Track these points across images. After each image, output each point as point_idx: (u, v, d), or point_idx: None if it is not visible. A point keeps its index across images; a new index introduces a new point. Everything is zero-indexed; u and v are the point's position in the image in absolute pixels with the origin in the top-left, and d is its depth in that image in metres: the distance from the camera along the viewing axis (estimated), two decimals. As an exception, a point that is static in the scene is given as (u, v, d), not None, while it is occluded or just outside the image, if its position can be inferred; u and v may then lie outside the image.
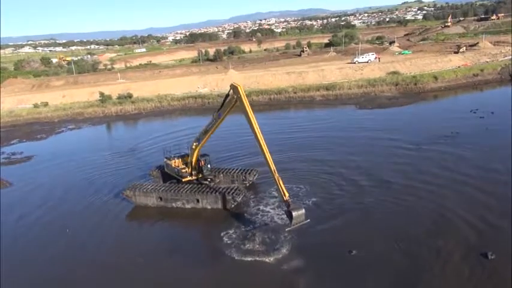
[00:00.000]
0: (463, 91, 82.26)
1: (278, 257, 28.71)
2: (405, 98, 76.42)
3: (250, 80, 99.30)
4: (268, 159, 31.36)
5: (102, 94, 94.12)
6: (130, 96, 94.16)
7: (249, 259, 28.82)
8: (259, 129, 31.74)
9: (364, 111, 70.59)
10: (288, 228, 30.18)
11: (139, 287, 27.54)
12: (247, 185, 41.88)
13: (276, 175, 30.82)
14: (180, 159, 42.91)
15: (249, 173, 42.68)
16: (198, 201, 38.57)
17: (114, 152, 60.95)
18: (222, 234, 32.64)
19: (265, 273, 27.45)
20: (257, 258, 28.74)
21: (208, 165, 42.18)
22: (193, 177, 41.49)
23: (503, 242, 28.00)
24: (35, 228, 37.40)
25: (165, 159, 43.39)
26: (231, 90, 34.23)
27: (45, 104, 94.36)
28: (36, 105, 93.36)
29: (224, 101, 36.25)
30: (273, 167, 31.10)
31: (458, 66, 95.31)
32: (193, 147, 40.67)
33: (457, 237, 29.17)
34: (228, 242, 31.46)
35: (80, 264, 30.54)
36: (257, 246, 30.22)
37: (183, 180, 40.91)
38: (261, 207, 36.82)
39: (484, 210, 32.49)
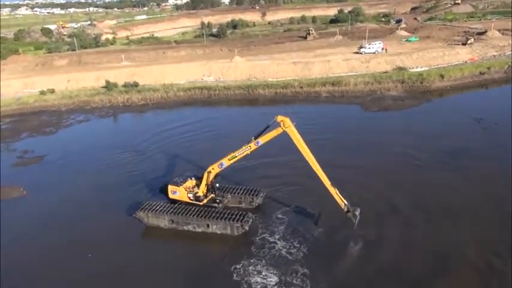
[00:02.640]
0: (469, 90, 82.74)
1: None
2: (411, 99, 76.93)
3: (255, 69, 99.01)
4: (324, 180, 37.66)
5: (108, 82, 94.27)
6: (136, 85, 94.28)
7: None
8: (311, 154, 37.55)
9: (369, 114, 71.48)
10: (355, 225, 37.71)
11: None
12: (254, 206, 43.76)
13: (333, 190, 37.72)
14: (189, 182, 43.77)
15: (256, 195, 44.22)
16: (208, 226, 40.58)
17: (124, 150, 62.43)
18: (232, 268, 34.68)
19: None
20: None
21: (217, 184, 43.83)
22: (208, 199, 43.14)
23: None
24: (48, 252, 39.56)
25: (170, 187, 43.65)
26: (277, 121, 37.52)
27: (52, 91, 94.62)
28: (42, 92, 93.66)
29: (264, 129, 38.40)
30: (328, 183, 37.60)
31: (465, 62, 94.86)
32: (211, 170, 42.01)
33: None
34: (237, 279, 33.46)
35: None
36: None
37: (201, 204, 42.62)
38: (268, 237, 38.54)
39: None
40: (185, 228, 41.27)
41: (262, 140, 38.79)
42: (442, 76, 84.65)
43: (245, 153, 39.86)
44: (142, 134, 69.54)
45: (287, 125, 37.31)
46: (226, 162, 41.00)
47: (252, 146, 39.12)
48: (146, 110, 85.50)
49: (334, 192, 38.18)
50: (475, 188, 44.32)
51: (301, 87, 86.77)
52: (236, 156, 40.29)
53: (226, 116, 79.25)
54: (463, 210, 40.33)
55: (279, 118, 37.51)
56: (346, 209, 38.26)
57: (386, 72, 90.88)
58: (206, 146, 61.57)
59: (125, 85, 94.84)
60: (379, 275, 32.86)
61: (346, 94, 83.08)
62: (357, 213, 38.48)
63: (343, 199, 38.37)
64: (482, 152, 52.19)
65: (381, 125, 65.39)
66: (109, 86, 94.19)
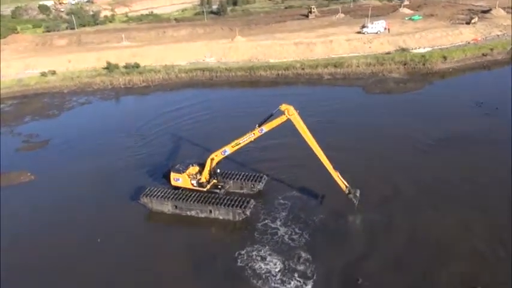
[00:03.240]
0: (471, 72, 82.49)
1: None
2: (413, 82, 76.91)
3: (257, 50, 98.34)
4: (327, 164, 39.37)
5: (109, 63, 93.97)
6: (137, 66, 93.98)
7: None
8: (314, 141, 39.03)
9: (371, 97, 71.72)
10: (356, 205, 39.71)
11: None
12: (255, 192, 44.75)
13: (335, 173, 39.53)
14: (191, 169, 44.36)
15: (257, 181, 45.16)
16: (210, 211, 41.77)
17: (127, 133, 63.33)
18: (236, 254, 35.95)
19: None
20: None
21: (218, 170, 44.59)
22: (210, 185, 44.10)
23: None
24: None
25: (173, 174, 44.30)
26: (281, 110, 38.39)
27: (53, 73, 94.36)
28: (43, 74, 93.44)
29: (268, 117, 39.35)
30: (330, 167, 39.38)
31: (468, 42, 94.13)
32: (214, 157, 42.85)
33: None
34: (242, 264, 34.77)
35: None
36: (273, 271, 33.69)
37: (204, 190, 43.55)
38: (269, 223, 39.75)
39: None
40: (188, 213, 42.48)
41: (266, 128, 39.57)
42: (444, 58, 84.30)
43: (249, 141, 40.60)
44: (145, 116, 70.03)
45: (291, 113, 38.13)
46: (229, 149, 41.74)
47: (256, 133, 39.83)
48: (148, 92, 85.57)
49: (336, 175, 39.76)
50: (474, 172, 45.20)
51: (303, 69, 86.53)
52: (240, 144, 41.04)
53: (229, 98, 79.56)
54: (462, 194, 41.52)
55: (283, 107, 38.20)
56: (347, 191, 40.12)
57: (388, 53, 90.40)
58: (209, 129, 62.50)
59: (126, 66, 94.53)
60: (382, 260, 34.09)
61: (348, 76, 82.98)
62: (358, 194, 40.51)
63: (344, 181, 39.98)
64: (482, 138, 52.75)
65: (382, 108, 65.78)
66: (110, 67, 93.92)
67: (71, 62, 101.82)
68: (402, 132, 55.52)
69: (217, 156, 42.63)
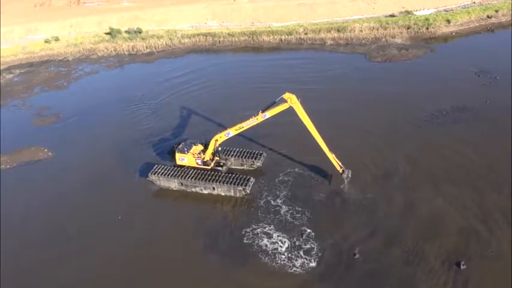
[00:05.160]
0: (475, 35, 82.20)
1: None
2: (415, 48, 77.16)
3: (259, 12, 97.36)
4: (324, 147, 42.54)
5: (111, 29, 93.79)
6: (140, 31, 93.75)
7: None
8: (313, 127, 42.15)
9: (373, 65, 72.73)
10: (346, 185, 43.52)
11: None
12: (255, 168, 47.91)
13: (331, 155, 42.83)
14: (195, 148, 47.09)
15: (257, 158, 48.07)
16: (213, 188, 45.27)
17: (135, 104, 65.93)
18: (242, 232, 39.55)
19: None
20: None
21: (219, 148, 47.33)
22: (214, 163, 47.04)
23: None
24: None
25: (178, 155, 46.95)
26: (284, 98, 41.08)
27: (56, 39, 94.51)
28: (47, 40, 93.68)
29: (271, 104, 42.02)
30: (327, 150, 42.67)
31: (474, 2, 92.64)
32: (218, 138, 45.65)
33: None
34: (249, 242, 38.47)
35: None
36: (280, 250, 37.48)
37: (209, 168, 46.68)
38: (271, 201, 43.05)
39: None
40: (193, 190, 46.10)
41: (269, 114, 42.11)
42: (448, 21, 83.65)
43: (252, 125, 43.19)
44: (151, 86, 72.43)
45: (294, 101, 40.51)
46: (233, 132, 44.47)
47: (259, 118, 42.34)
48: (152, 59, 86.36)
49: (332, 157, 43.17)
50: (470, 148, 47.61)
51: (306, 34, 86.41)
52: (243, 127, 43.70)
53: (232, 65, 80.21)
54: (456, 170, 44.35)
55: (286, 95, 40.55)
56: (341, 171, 43.68)
57: (392, 15, 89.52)
58: (214, 97, 65.50)
59: (128, 31, 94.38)
60: (378, 235, 37.73)
61: (351, 42, 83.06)
62: (349, 175, 44.19)
63: (339, 162, 43.50)
64: (479, 111, 54.54)
65: (383, 78, 67.14)
66: (112, 33, 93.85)
67: (73, 26, 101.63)
68: (400, 106, 57.52)
69: (221, 137, 45.41)
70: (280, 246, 37.54)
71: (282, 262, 36.07)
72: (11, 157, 54.97)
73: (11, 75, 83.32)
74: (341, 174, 43.82)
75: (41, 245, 40.74)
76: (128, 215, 43.52)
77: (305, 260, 36.04)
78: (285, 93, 40.78)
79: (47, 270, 37.98)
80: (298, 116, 41.71)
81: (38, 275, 37.56)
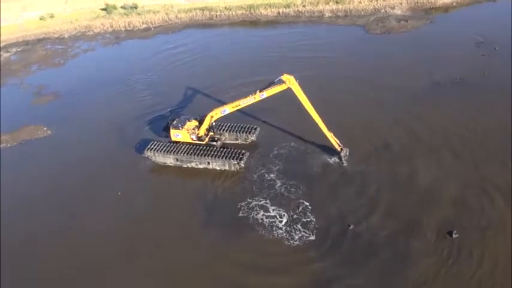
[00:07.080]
0: (475, 5, 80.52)
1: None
2: (415, 19, 75.93)
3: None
4: (323, 127, 42.90)
5: (107, 5, 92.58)
6: (135, 6, 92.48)
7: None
8: (312, 107, 42.53)
9: (371, 38, 71.89)
10: (344, 162, 43.33)
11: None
12: (249, 142, 48.31)
13: (329, 134, 43.06)
14: (189, 124, 47.36)
15: (251, 132, 48.35)
16: (208, 163, 45.88)
17: (133, 81, 66.11)
18: (238, 206, 40.23)
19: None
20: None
21: (213, 123, 47.56)
22: (208, 138, 47.46)
23: None
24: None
25: (173, 131, 47.24)
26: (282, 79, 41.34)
27: (51, 16, 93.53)
28: (42, 18, 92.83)
29: (269, 84, 42.30)
30: (325, 129, 42.99)
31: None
32: (214, 114, 45.91)
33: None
34: (245, 215, 39.15)
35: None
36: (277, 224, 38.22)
37: (203, 143, 47.07)
38: (265, 175, 43.53)
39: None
40: (189, 165, 46.71)
41: (267, 94, 42.28)
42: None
43: (249, 103, 43.35)
44: (148, 63, 72.08)
45: (292, 83, 40.84)
46: (229, 109, 44.68)
47: (257, 97, 42.49)
48: (149, 35, 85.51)
49: (330, 136, 43.37)
50: (467, 121, 47.52)
51: (304, 6, 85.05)
52: (240, 105, 43.91)
53: (230, 39, 79.51)
54: (452, 143, 44.52)
55: (285, 77, 40.91)
56: (339, 149, 43.92)
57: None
58: (212, 71, 65.65)
59: (124, 7, 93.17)
60: (371, 207, 38.41)
61: (349, 13, 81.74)
62: (347, 153, 44.25)
63: (337, 141, 43.73)
64: (478, 84, 54.22)
65: (381, 51, 66.39)
66: (108, 8, 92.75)
67: (67, 3, 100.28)
68: (398, 79, 57.15)
69: (216, 114, 45.62)
70: (279, 220, 38.14)
71: (281, 236, 36.75)
72: (12, 136, 55.57)
73: (7, 54, 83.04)
74: (339, 152, 44.04)
75: (42, 219, 41.92)
76: (127, 191, 44.33)
77: (305, 234, 36.74)
78: (283, 74, 40.88)
79: (47, 241, 39.45)
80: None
81: (37, 246, 39.07)
